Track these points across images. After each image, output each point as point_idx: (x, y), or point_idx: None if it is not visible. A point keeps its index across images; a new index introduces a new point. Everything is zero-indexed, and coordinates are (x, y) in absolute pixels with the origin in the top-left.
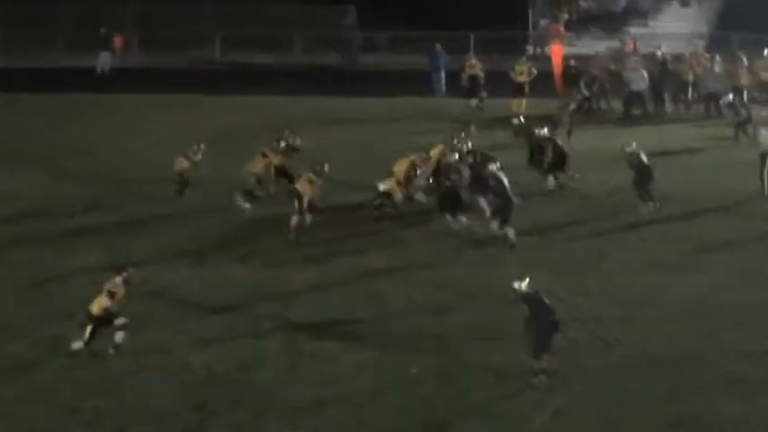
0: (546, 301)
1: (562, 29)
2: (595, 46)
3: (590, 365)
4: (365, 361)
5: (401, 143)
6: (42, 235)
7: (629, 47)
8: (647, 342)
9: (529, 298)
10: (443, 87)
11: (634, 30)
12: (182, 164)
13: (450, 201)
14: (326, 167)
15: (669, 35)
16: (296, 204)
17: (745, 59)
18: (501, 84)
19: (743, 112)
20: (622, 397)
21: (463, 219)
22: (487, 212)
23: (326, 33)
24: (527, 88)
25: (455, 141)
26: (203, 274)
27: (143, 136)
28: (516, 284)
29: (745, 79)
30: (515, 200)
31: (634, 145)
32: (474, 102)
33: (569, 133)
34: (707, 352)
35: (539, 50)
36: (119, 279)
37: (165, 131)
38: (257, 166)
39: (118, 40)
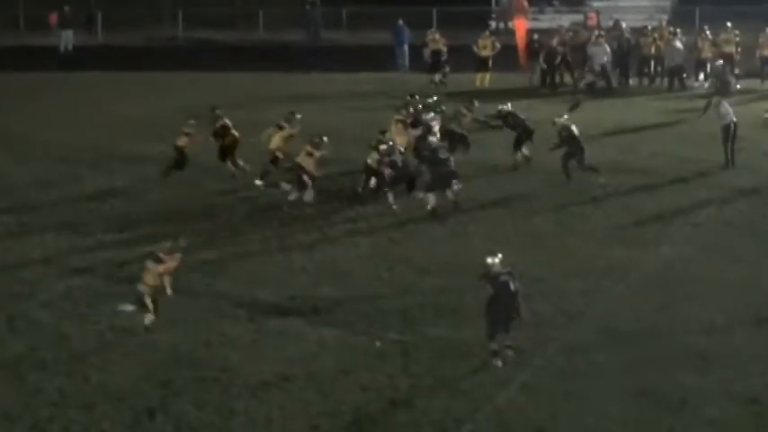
0: (511, 284)
1: (525, 3)
2: (559, 20)
3: (553, 339)
4: (330, 338)
5: (366, 119)
6: None
7: (592, 20)
8: (609, 315)
9: (494, 279)
10: (407, 62)
11: (597, 3)
12: (182, 140)
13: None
14: (325, 139)
15: (632, 8)
16: (297, 179)
17: (707, 33)
18: (464, 58)
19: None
20: (585, 370)
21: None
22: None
23: (290, 10)
24: (490, 63)
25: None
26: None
27: (100, 115)
28: (489, 259)
29: (707, 52)
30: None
31: (565, 117)
32: (437, 76)
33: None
34: (667, 325)
35: (502, 25)
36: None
37: (125, 109)
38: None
39: (53, 17)
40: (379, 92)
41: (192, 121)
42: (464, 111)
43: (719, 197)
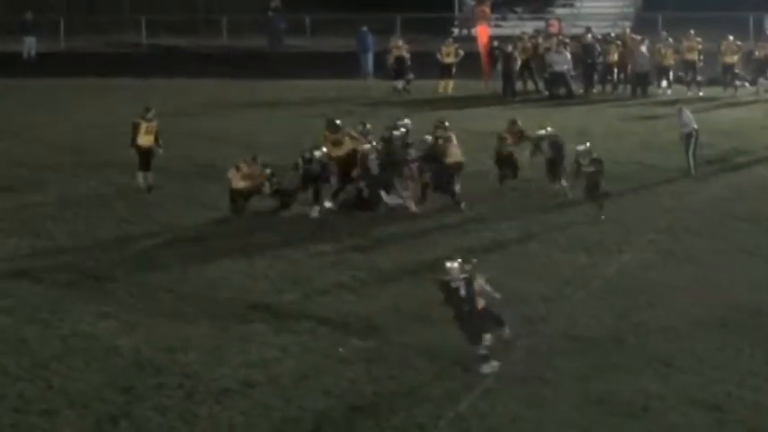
0: (462, 290)
1: (488, 10)
2: (521, 27)
3: (515, 344)
4: (293, 343)
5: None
6: None
7: (554, 28)
8: (571, 321)
9: (444, 286)
10: (371, 69)
11: (560, 11)
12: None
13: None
14: (368, 126)
15: (595, 15)
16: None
17: (670, 39)
18: (427, 65)
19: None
20: (547, 376)
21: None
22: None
23: (253, 16)
24: (454, 70)
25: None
26: (127, 257)
27: (64, 121)
28: (448, 264)
29: (670, 59)
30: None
31: (549, 129)
32: (400, 83)
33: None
34: (629, 331)
35: (465, 32)
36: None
37: (87, 116)
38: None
39: None
40: (342, 98)
41: (151, 113)
42: (505, 134)
43: (682, 204)
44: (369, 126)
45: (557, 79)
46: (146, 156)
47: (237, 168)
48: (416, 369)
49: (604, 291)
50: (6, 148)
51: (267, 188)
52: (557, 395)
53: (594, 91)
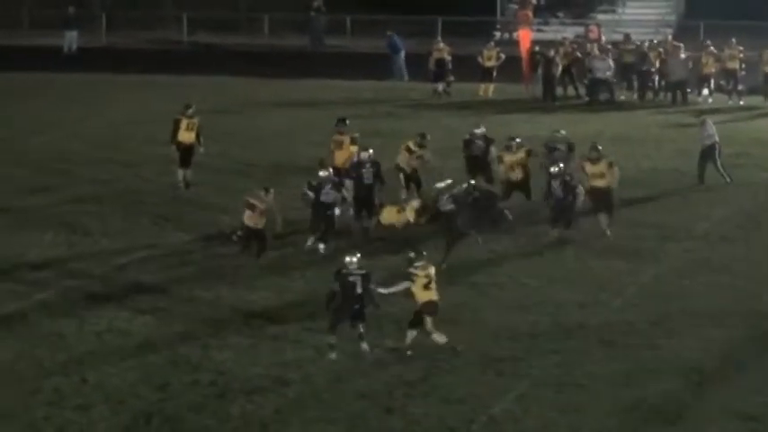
0: (358, 286)
1: (530, 14)
2: (563, 32)
3: (550, 350)
4: (326, 344)
5: (367, 127)
6: None
7: (594, 34)
8: (605, 327)
9: (343, 277)
10: (404, 71)
11: (602, 16)
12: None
13: None
14: (428, 137)
15: (637, 22)
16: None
17: (712, 48)
18: (468, 68)
19: None
20: (582, 382)
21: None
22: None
23: (295, 15)
24: (494, 73)
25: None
26: (162, 254)
27: (102, 116)
28: (347, 258)
29: (711, 67)
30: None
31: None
32: (441, 86)
33: None
34: (663, 338)
35: (506, 36)
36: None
37: (125, 112)
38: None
39: None
40: (381, 100)
41: (192, 110)
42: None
43: (718, 212)
44: (429, 137)
45: (597, 85)
46: (186, 152)
47: (251, 206)
48: (449, 372)
49: (639, 297)
50: (46, 142)
51: (280, 225)
52: (591, 401)
53: (635, 98)
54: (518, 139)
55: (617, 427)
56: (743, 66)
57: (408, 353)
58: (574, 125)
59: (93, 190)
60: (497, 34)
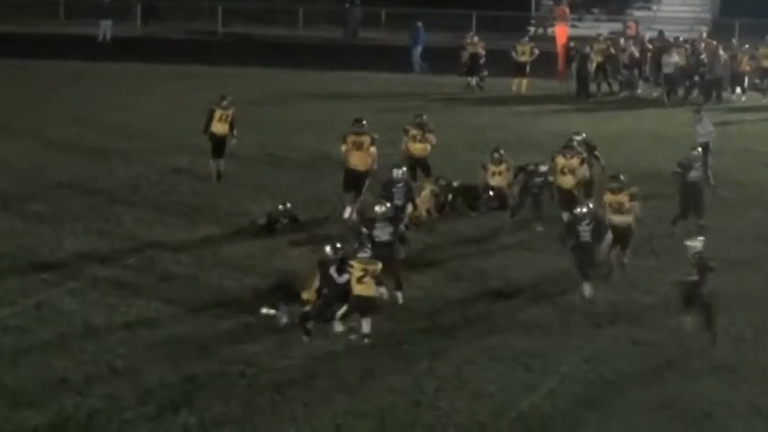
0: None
1: (567, 10)
2: (597, 28)
3: (580, 347)
4: (357, 338)
5: (399, 120)
6: (28, 204)
7: (632, 30)
8: (636, 325)
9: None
10: (421, 63)
11: (637, 13)
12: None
13: None
14: (425, 117)
15: (672, 19)
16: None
17: (746, 45)
18: (502, 63)
19: None
20: (610, 378)
21: None
22: None
23: (331, 7)
24: (528, 68)
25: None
26: (193, 245)
27: (135, 106)
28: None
29: (746, 66)
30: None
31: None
32: (474, 80)
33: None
34: (693, 337)
35: (541, 31)
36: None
37: (159, 102)
38: None
39: None
40: (414, 93)
41: (227, 101)
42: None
43: (754, 213)
44: (502, 153)
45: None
46: (219, 143)
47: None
48: (480, 367)
49: (671, 296)
50: (79, 134)
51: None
52: (619, 399)
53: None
54: (502, 151)
55: (645, 424)
56: None
57: (352, 337)
58: (607, 122)
59: (127, 180)
60: (532, 29)
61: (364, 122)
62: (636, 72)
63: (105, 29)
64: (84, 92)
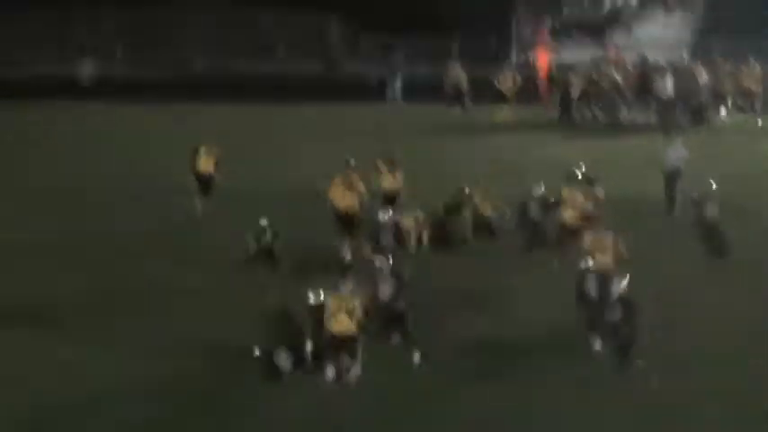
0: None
1: (547, 36)
2: (579, 54)
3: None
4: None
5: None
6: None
7: (613, 54)
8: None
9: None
10: (398, 93)
11: (617, 37)
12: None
13: None
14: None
15: (652, 42)
16: None
17: (728, 67)
18: (484, 91)
19: None
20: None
21: None
22: None
23: (310, 41)
24: (511, 96)
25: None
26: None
27: (112, 146)
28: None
29: (728, 87)
30: None
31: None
32: (457, 109)
33: None
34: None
35: (522, 58)
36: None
37: (136, 140)
38: None
39: None
40: (387, 124)
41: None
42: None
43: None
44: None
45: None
46: (205, 182)
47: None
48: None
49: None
50: (49, 178)
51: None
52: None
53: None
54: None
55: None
56: (760, 85)
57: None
58: (592, 150)
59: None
60: (513, 58)
61: (352, 162)
62: (618, 98)
63: (84, 67)
64: (59, 133)
